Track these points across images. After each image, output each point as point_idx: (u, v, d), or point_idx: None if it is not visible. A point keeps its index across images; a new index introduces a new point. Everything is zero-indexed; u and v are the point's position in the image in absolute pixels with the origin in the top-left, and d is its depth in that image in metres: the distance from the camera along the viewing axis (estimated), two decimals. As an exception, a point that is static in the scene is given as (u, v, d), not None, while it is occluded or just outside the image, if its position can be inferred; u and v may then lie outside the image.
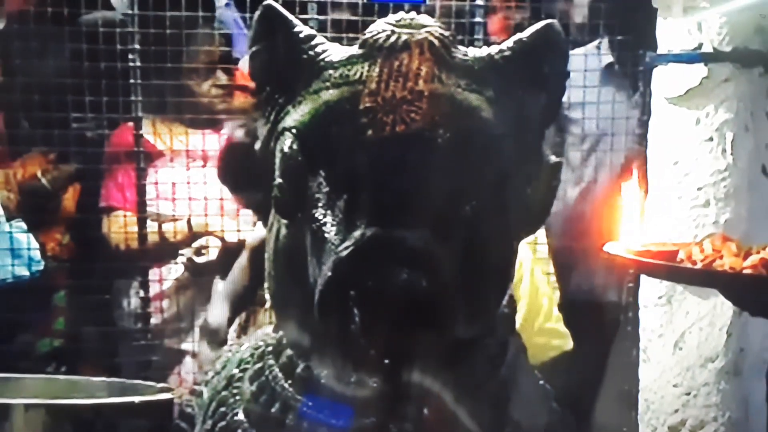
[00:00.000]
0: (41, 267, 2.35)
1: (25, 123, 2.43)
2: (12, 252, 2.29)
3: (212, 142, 2.46)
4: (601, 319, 2.44)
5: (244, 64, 2.51)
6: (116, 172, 2.46)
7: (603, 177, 2.55)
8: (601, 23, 2.45)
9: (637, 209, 1.53)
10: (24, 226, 2.37)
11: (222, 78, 2.48)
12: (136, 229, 2.42)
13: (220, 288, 2.20)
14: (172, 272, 2.45)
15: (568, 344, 2.12)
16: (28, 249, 2.32)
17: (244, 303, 2.07)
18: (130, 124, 2.43)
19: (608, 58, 2.55)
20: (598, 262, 2.41)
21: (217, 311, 2.07)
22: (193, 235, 2.44)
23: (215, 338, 2.01)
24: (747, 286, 1.27)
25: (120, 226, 2.43)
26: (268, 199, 1.09)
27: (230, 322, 2.05)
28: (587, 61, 2.48)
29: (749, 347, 1.98)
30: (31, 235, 2.34)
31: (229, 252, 2.38)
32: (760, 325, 1.95)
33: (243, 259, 2.08)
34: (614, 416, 2.22)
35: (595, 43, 2.60)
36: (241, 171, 1.16)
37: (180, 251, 2.45)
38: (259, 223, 2.07)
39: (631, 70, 2.48)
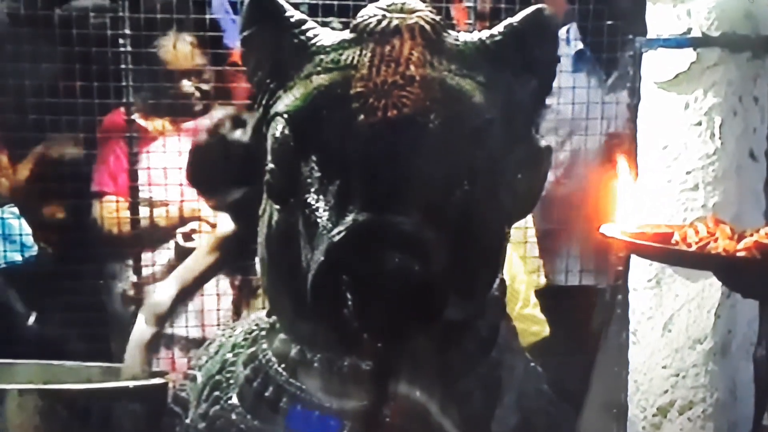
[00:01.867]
0: (34, 252, 2.35)
1: (15, 112, 2.42)
2: (4, 237, 2.28)
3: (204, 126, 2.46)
4: (587, 302, 2.46)
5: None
6: (108, 156, 2.45)
7: (579, 161, 2.56)
8: (575, 8, 2.44)
9: (631, 191, 1.54)
10: (16, 211, 2.36)
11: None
12: (127, 213, 2.41)
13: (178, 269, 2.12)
14: (162, 256, 2.45)
15: (545, 330, 2.14)
16: (20, 234, 2.32)
17: (194, 288, 1.99)
18: (122, 108, 2.42)
19: (578, 45, 2.55)
20: (581, 245, 2.44)
21: (164, 288, 2.01)
22: (183, 220, 2.45)
23: (155, 314, 1.93)
24: (740, 268, 1.28)
25: (112, 211, 2.43)
26: (247, 197, 1.09)
27: (175, 304, 1.96)
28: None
29: (737, 329, 2.00)
30: (23, 221, 2.34)
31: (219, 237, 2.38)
32: (748, 307, 1.98)
33: (205, 245, 2.02)
34: (604, 398, 2.25)
35: (565, 28, 2.59)
36: (213, 172, 1.15)
37: (171, 236, 2.46)
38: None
39: (604, 55, 2.49)
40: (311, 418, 1.10)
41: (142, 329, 1.90)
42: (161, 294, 1.92)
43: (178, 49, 2.41)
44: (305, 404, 1.11)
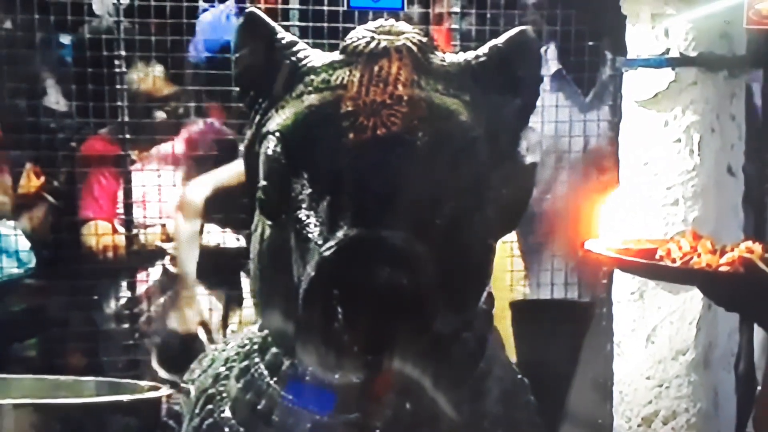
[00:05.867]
0: (33, 265, 2.36)
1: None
2: (2, 251, 2.29)
3: (179, 146, 2.50)
4: (570, 316, 2.49)
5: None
6: (92, 183, 2.48)
7: (558, 179, 2.60)
8: (552, 30, 2.48)
9: (613, 207, 1.58)
10: (12, 224, 2.37)
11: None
12: (115, 237, 2.44)
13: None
14: (152, 275, 2.47)
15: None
16: (17, 251, 2.33)
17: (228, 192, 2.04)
18: (101, 132, 2.45)
19: (555, 65, 2.60)
20: (565, 259, 2.47)
21: (198, 187, 2.07)
22: (168, 240, 2.47)
23: (192, 209, 2.02)
24: (724, 283, 1.30)
25: (99, 236, 2.44)
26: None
27: (208, 203, 2.04)
28: None
29: (718, 340, 2.03)
30: (21, 235, 2.35)
31: (207, 255, 2.40)
32: (728, 319, 2.02)
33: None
34: (590, 408, 2.27)
35: (543, 49, 2.64)
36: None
37: (158, 256, 2.47)
38: None
39: (581, 75, 2.54)
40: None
41: (183, 227, 2.01)
42: (195, 193, 2.01)
43: (146, 80, 2.44)
44: (297, 416, 1.13)
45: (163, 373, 2.24)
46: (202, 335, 2.23)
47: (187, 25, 2.35)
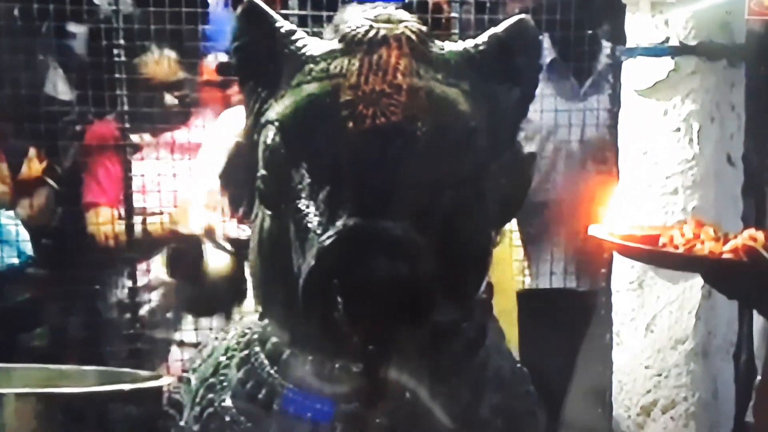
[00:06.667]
0: (30, 253, 2.37)
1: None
2: (1, 241, 2.30)
3: (182, 136, 2.50)
4: (569, 306, 2.50)
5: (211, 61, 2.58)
6: (96, 168, 2.48)
7: (556, 168, 2.60)
8: (548, 18, 2.47)
9: (618, 195, 1.57)
10: (12, 214, 2.39)
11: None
12: (119, 224, 2.44)
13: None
14: (156, 265, 2.47)
15: None
16: (17, 240, 2.33)
17: None
18: (108, 118, 2.45)
19: (551, 54, 2.59)
20: (565, 248, 2.48)
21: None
22: (172, 230, 2.47)
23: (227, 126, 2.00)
24: (727, 271, 1.30)
25: (103, 222, 2.45)
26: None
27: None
28: None
29: (717, 330, 2.04)
30: (20, 225, 2.36)
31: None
32: (728, 308, 2.02)
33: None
34: (589, 397, 2.28)
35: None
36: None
37: (161, 245, 2.47)
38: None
39: (579, 64, 2.54)
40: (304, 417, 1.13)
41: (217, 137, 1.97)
42: (236, 115, 1.99)
43: (161, 64, 2.44)
44: (297, 405, 1.14)
45: (163, 276, 2.20)
46: (206, 240, 2.19)
47: (188, 13, 2.35)
